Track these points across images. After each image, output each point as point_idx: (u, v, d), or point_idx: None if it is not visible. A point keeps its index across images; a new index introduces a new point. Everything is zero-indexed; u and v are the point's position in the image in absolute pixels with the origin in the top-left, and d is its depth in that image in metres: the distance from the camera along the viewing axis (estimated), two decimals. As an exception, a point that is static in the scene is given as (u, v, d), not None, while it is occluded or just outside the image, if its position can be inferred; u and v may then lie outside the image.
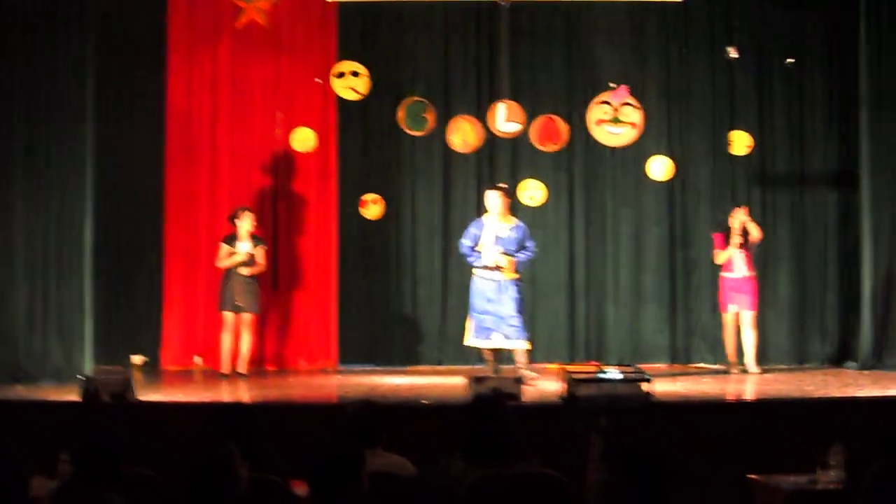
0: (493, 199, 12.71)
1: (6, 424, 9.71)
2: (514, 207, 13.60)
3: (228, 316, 13.31)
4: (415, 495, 4.70)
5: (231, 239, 13.34)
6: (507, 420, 5.93)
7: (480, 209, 14.00)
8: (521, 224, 12.85)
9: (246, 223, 13.32)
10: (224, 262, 13.31)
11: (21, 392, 11.54)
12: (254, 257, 13.31)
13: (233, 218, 13.40)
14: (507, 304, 12.53)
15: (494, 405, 6.06)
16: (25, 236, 12.44)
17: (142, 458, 5.85)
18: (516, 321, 12.56)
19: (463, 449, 5.85)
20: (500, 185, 13.19)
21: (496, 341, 12.55)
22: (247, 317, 13.34)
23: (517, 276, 12.66)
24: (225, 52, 14.39)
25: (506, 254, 12.55)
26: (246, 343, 13.35)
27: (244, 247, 13.29)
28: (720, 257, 13.52)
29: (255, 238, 13.42)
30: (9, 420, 9.88)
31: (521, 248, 12.65)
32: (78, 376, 11.74)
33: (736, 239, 13.42)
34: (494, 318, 12.50)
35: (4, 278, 12.27)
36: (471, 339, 12.75)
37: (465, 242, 12.73)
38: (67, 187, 12.72)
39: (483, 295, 12.61)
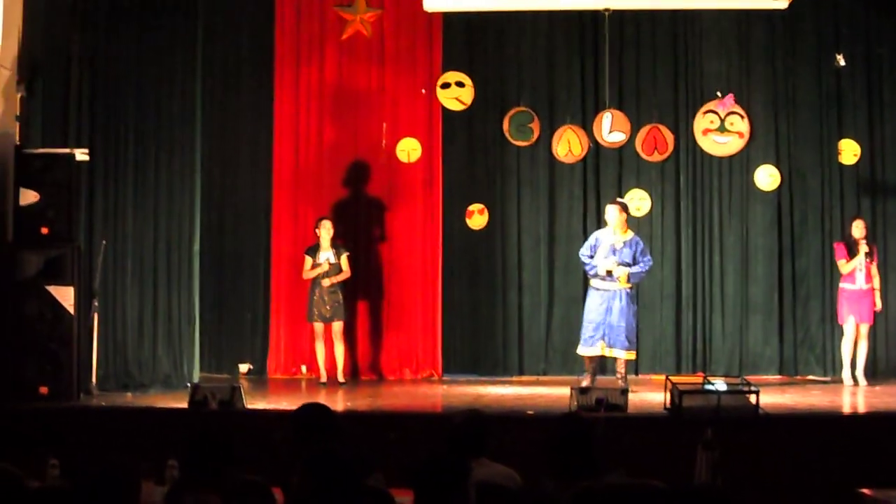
0: (611, 213, 12.77)
1: (117, 430, 9.89)
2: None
3: (318, 326, 13.45)
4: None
5: (314, 249, 13.45)
6: (591, 437, 5.85)
7: (587, 219, 14.04)
8: (637, 238, 12.86)
9: (325, 232, 13.41)
10: (308, 274, 13.43)
11: (130, 399, 11.72)
12: (338, 265, 13.40)
13: (316, 227, 13.52)
14: (616, 314, 12.57)
15: (577, 423, 6.00)
16: (135, 246, 12.62)
17: (248, 464, 5.90)
18: (623, 331, 12.59)
19: (550, 465, 5.80)
20: (619, 199, 13.20)
21: (599, 349, 12.59)
22: (337, 325, 13.45)
23: (630, 286, 12.67)
24: (331, 63, 14.50)
25: (620, 265, 12.57)
26: (340, 352, 13.48)
27: (326, 256, 13.38)
28: (846, 267, 13.27)
29: (338, 246, 13.51)
30: (119, 426, 10.05)
31: (635, 261, 12.66)
32: (187, 384, 11.92)
33: (863, 248, 13.19)
34: (601, 326, 12.55)
35: (116, 287, 12.46)
36: (579, 347, 12.80)
37: (584, 252, 12.83)
38: (176, 198, 12.90)
39: (594, 304, 12.71)
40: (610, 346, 12.58)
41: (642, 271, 12.81)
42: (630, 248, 12.71)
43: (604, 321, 12.57)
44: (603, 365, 13.14)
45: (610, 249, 12.67)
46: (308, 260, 13.47)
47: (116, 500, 4.87)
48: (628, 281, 12.64)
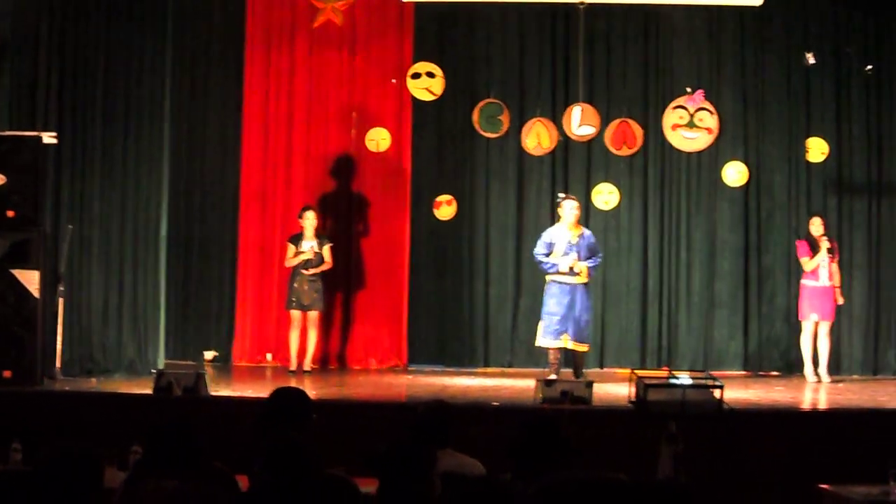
0: (573, 210, 12.84)
1: (80, 416, 9.86)
2: (588, 211, 13.82)
3: (295, 314, 13.42)
4: (484, 496, 4.68)
5: (297, 238, 13.43)
6: (557, 436, 5.85)
7: (554, 212, 14.01)
8: (589, 232, 13.03)
9: (309, 221, 13.40)
10: (291, 262, 13.41)
11: (94, 384, 11.67)
12: (320, 255, 13.39)
13: (300, 217, 13.51)
14: (578, 308, 12.68)
15: (543, 421, 5.99)
16: (102, 231, 12.57)
17: (212, 452, 5.89)
18: (587, 325, 12.75)
19: (515, 464, 5.80)
20: (571, 195, 13.29)
21: (563, 342, 12.68)
22: (313, 314, 13.43)
23: (587, 280, 12.78)
24: (301, 51, 14.48)
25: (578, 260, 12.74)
26: (312, 340, 13.45)
27: (309, 245, 13.36)
28: (809, 265, 13.32)
29: (321, 236, 13.50)
30: (83, 412, 10.02)
31: (591, 255, 12.78)
32: (151, 370, 11.88)
33: (824, 245, 13.24)
34: (566, 320, 12.64)
35: (81, 272, 12.40)
36: (540, 340, 12.87)
37: (539, 251, 12.88)
38: (144, 183, 12.85)
39: (556, 298, 12.79)
40: (575, 339, 12.70)
41: (597, 264, 13.02)
42: (585, 242, 12.83)
43: (569, 315, 12.68)
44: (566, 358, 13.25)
45: (567, 246, 12.77)
46: (291, 248, 13.44)
47: (78, 485, 4.86)
48: (588, 276, 12.83)
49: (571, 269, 12.70)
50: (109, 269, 12.62)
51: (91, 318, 12.47)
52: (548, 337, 12.81)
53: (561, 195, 13.32)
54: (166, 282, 13.28)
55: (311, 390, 11.82)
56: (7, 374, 10.99)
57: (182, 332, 14.35)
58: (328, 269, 13.54)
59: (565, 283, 12.77)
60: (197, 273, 14.52)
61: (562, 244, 12.79)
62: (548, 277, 12.89)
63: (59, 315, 11.84)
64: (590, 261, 12.80)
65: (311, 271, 13.33)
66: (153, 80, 12.90)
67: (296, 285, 13.38)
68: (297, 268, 13.38)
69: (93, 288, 12.50)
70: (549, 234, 12.95)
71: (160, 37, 12.99)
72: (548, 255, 12.81)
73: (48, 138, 11.61)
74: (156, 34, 12.94)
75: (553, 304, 12.82)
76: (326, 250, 13.45)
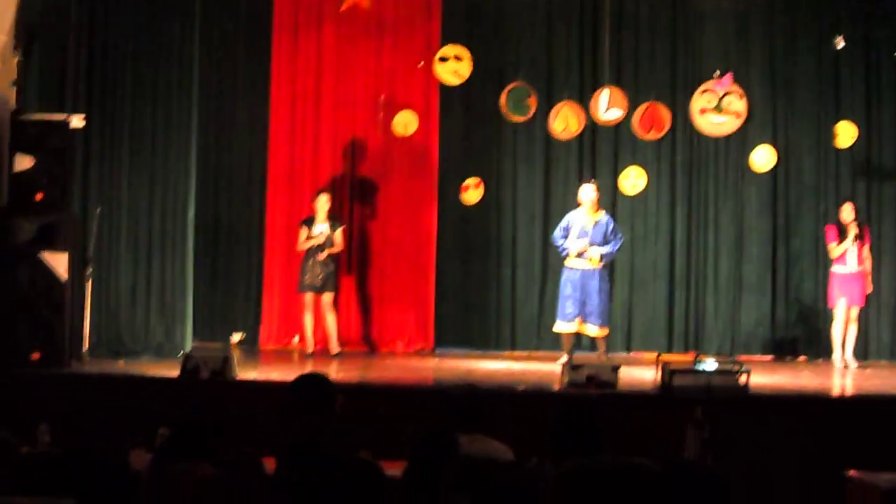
0: (589, 193, 13.02)
1: (108, 398, 9.90)
2: (615, 195, 13.80)
3: (308, 297, 13.42)
4: (508, 481, 4.70)
5: (310, 221, 13.44)
6: (591, 421, 5.85)
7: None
8: (609, 218, 13.15)
9: (322, 205, 13.41)
10: (303, 246, 13.40)
11: (122, 367, 11.71)
12: (331, 239, 13.37)
13: (313, 200, 13.53)
14: (592, 292, 12.90)
15: (578, 406, 5.99)
16: (130, 214, 12.62)
17: (238, 434, 5.91)
18: (598, 308, 12.91)
19: (550, 445, 5.80)
20: (592, 179, 13.39)
21: (576, 326, 12.99)
22: (327, 297, 13.41)
23: (601, 265, 12.96)
24: (329, 35, 14.46)
25: (592, 245, 12.91)
26: (330, 322, 13.42)
27: (321, 228, 13.36)
28: (836, 251, 13.27)
29: (333, 219, 13.49)
30: (110, 395, 10.06)
31: (606, 241, 12.84)
32: (179, 353, 11.92)
33: (852, 232, 13.18)
34: (577, 303, 12.86)
35: (109, 255, 12.46)
36: (557, 325, 13.06)
37: (557, 234, 13.15)
38: (172, 167, 12.88)
39: (569, 283, 13.05)
40: (592, 324, 12.86)
41: (613, 251, 13.17)
42: (601, 228, 12.92)
43: (580, 299, 12.86)
44: (578, 342, 13.35)
45: (581, 231, 12.88)
46: (303, 231, 13.44)
47: (106, 466, 4.89)
48: (600, 261, 12.94)
49: (581, 254, 12.82)
50: (137, 251, 12.67)
51: (119, 300, 12.54)
52: (561, 321, 13.00)
53: (588, 180, 13.38)
54: (194, 264, 13.31)
55: (338, 373, 11.89)
56: (35, 356, 11.05)
57: (209, 314, 14.36)
58: (339, 252, 13.54)
59: (578, 268, 12.93)
60: (224, 256, 14.55)
61: (577, 228, 12.90)
62: (564, 261, 13.02)
63: (87, 297, 11.89)
64: (605, 247, 12.88)
65: (325, 254, 13.32)
66: (181, 65, 12.92)
67: (307, 268, 13.39)
68: (310, 251, 13.37)
69: (121, 270, 12.56)
70: (567, 218, 13.13)
71: (188, 21, 13.00)
72: (564, 238, 12.94)
73: (77, 122, 11.65)
74: (184, 19, 12.95)
75: (566, 288, 13.04)
76: (339, 233, 13.44)
